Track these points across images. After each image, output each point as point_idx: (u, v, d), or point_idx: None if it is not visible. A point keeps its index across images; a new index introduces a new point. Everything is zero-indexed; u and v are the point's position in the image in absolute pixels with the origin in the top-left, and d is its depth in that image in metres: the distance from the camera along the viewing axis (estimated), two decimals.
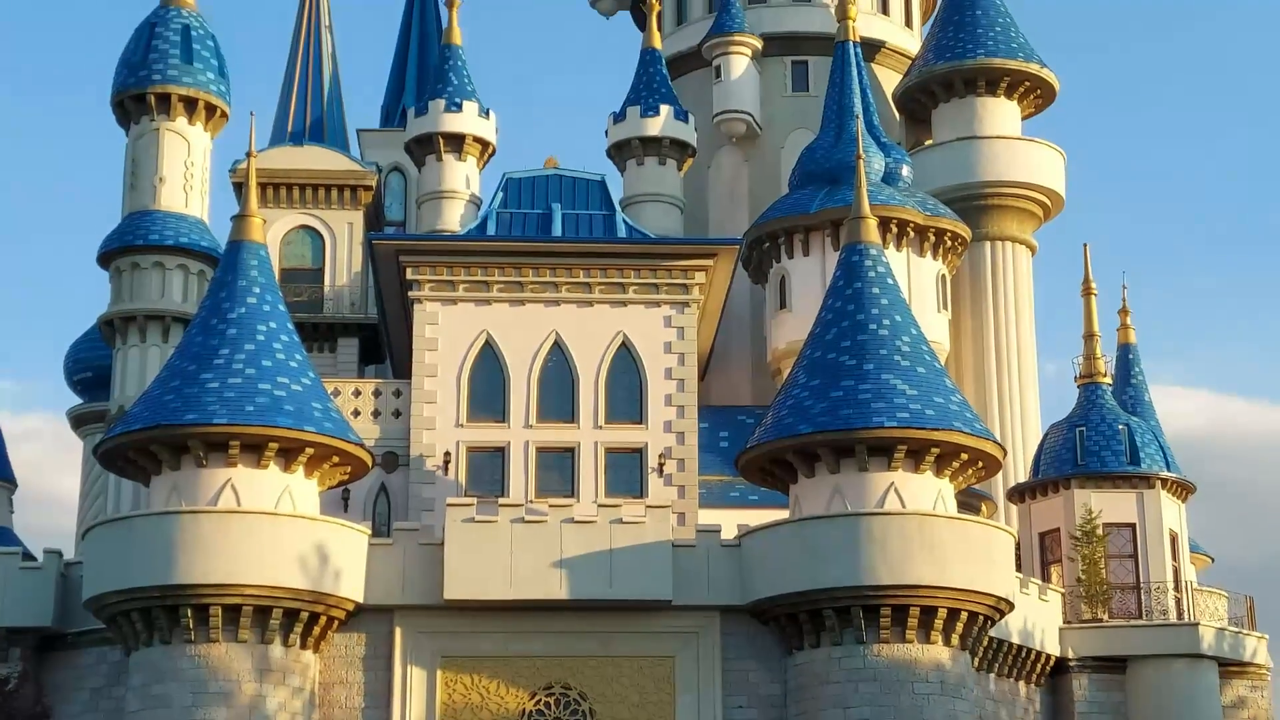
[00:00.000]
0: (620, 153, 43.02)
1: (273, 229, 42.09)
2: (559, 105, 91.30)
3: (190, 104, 39.93)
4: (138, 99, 39.80)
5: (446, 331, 36.66)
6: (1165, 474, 38.22)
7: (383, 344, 42.91)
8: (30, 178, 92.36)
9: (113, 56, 50.96)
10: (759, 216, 41.92)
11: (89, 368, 47.75)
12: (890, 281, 32.93)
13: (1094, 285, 40.68)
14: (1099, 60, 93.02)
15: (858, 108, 40.87)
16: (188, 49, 40.10)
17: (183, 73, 39.80)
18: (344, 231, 43.84)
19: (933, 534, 30.74)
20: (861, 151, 34.31)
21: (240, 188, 43.12)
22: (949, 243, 40.99)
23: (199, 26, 40.61)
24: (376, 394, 36.88)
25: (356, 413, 36.38)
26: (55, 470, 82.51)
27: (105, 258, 39.62)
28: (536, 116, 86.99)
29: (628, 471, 36.07)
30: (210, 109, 40.25)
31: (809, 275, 40.08)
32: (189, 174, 40.00)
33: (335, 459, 31.94)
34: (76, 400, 49.57)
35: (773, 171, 45.32)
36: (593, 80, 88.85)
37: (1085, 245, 41.16)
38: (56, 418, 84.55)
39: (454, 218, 41.73)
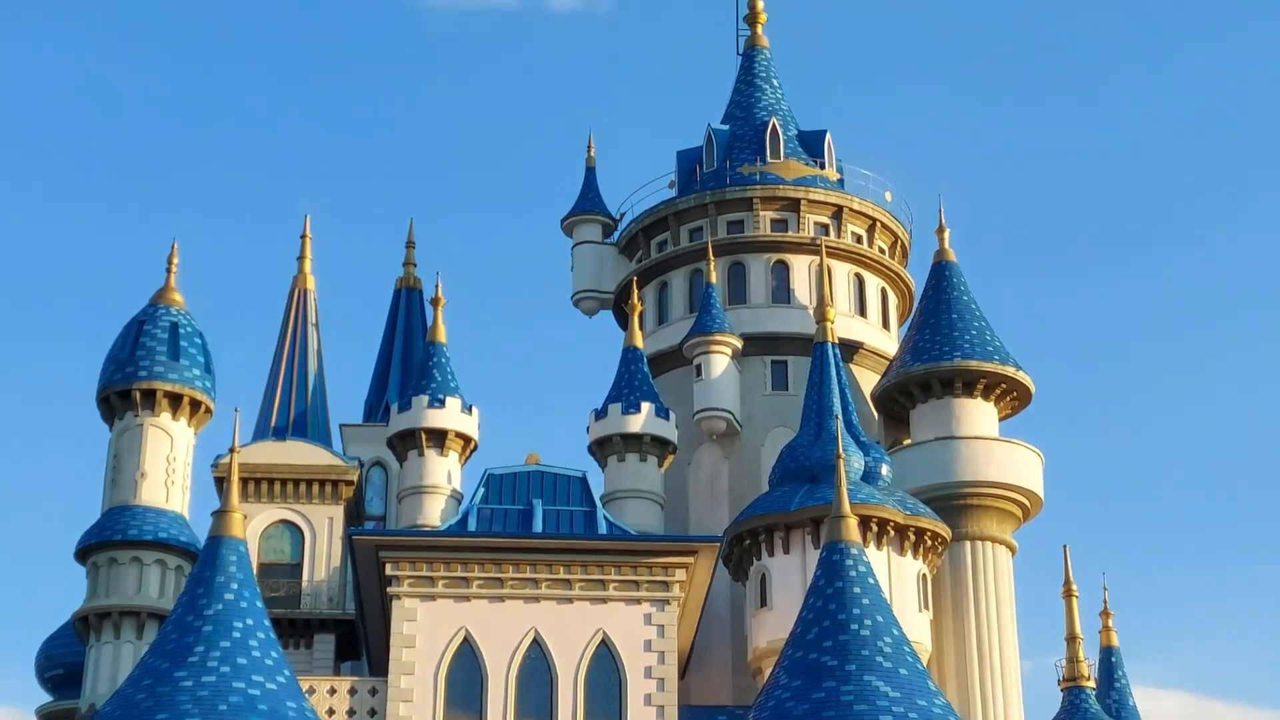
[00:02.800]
0: (602, 449, 43.30)
1: (253, 523, 41.99)
2: (541, 401, 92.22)
3: (175, 400, 40.23)
4: (123, 395, 40.11)
5: (424, 628, 36.40)
6: None
7: (360, 640, 42.50)
8: (7, 473, 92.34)
9: (95, 352, 51.71)
10: (739, 514, 42.04)
11: (61, 664, 47.09)
12: (871, 581, 32.92)
13: (1075, 587, 40.69)
14: (1074, 361, 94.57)
15: (837, 407, 41.40)
16: (175, 346, 40.58)
17: (169, 369, 40.20)
18: (324, 526, 43.79)
19: None
20: (841, 450, 34.66)
21: (222, 482, 43.22)
22: (929, 542, 41.09)
23: (187, 324, 41.18)
24: (352, 692, 36.38)
25: (331, 711, 35.87)
26: None
27: (83, 553, 39.44)
28: (518, 412, 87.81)
29: None
30: (195, 404, 40.56)
31: (790, 573, 40.02)
32: (171, 469, 40.09)
33: None
34: (46, 698, 48.71)
35: (753, 469, 45.60)
36: (574, 377, 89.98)
37: (1065, 547, 41.40)
38: (24, 715, 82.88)
39: (435, 513, 41.69)
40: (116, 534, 38.93)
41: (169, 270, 42.17)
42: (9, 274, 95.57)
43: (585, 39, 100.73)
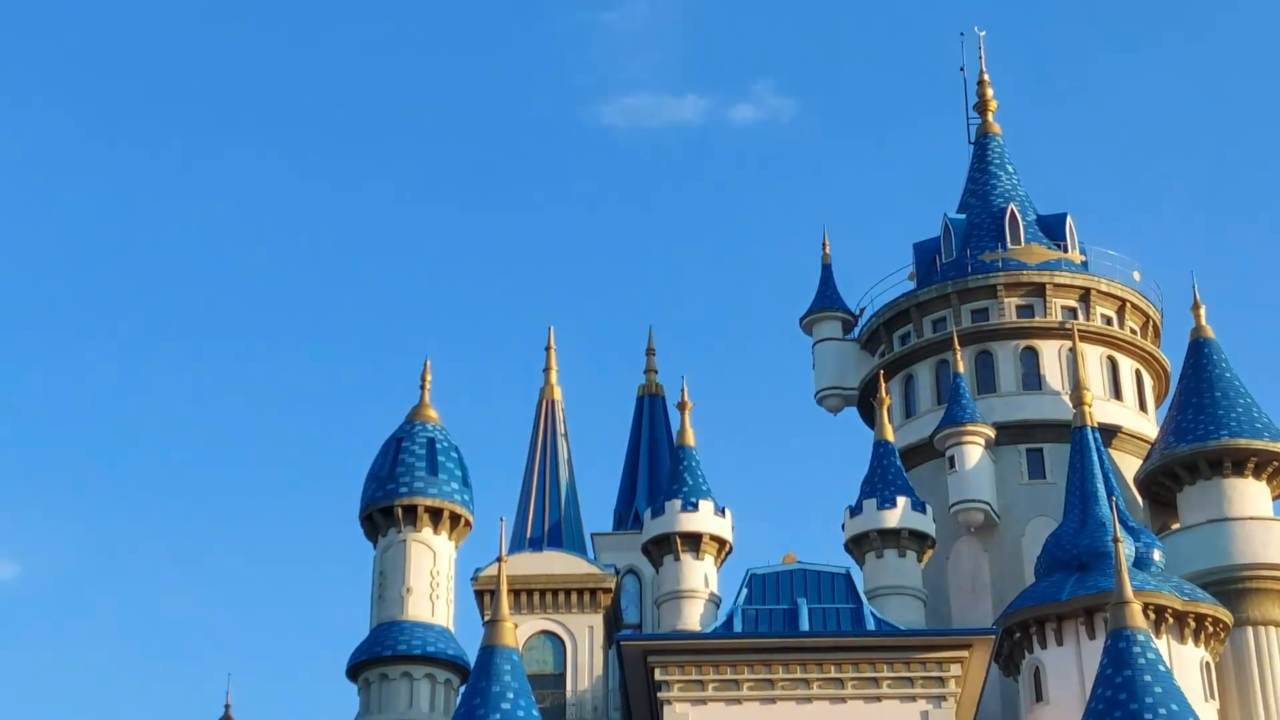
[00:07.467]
0: (858, 546, 42.65)
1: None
2: (790, 501, 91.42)
3: (436, 514, 40.56)
4: (385, 512, 40.56)
5: None
6: None
7: None
8: (280, 594, 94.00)
9: (357, 471, 52.58)
10: (1006, 606, 41.06)
11: None
12: (1162, 669, 31.93)
13: None
14: None
15: (1104, 492, 40.35)
16: (433, 461, 41.00)
17: (429, 484, 40.57)
18: (585, 636, 43.69)
19: None
20: (1119, 534, 33.68)
21: (482, 595, 43.50)
22: (1210, 628, 39.67)
23: (443, 439, 41.60)
24: None
25: None
26: None
27: (354, 670, 39.81)
28: (768, 512, 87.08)
29: None
30: (455, 518, 40.84)
31: (1065, 666, 38.94)
32: (435, 583, 40.35)
33: None
34: None
35: (1014, 561, 44.62)
36: (822, 475, 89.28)
37: None
38: None
39: (694, 617, 41.38)
40: (386, 650, 39.18)
41: (423, 387, 42.70)
42: (271, 406, 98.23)
43: (811, 140, 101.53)
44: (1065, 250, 49.16)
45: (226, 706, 46.68)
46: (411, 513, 40.46)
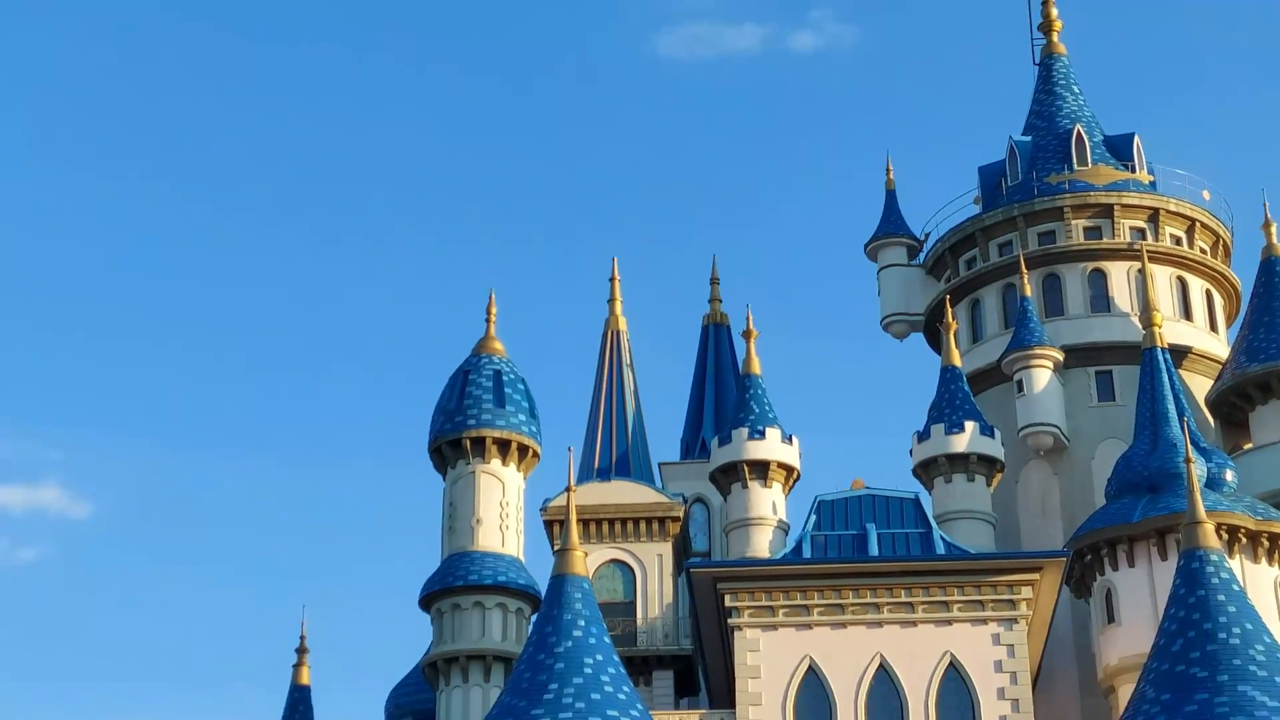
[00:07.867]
0: (927, 471, 42.55)
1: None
2: (857, 427, 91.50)
3: (504, 446, 40.71)
4: (454, 444, 40.74)
5: (768, 658, 36.25)
6: None
7: (697, 675, 42.46)
8: (353, 525, 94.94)
9: (425, 405, 52.85)
10: (1078, 528, 40.92)
11: (409, 712, 47.87)
12: (1236, 588, 31.76)
13: None
14: None
15: (1174, 413, 40.06)
16: (500, 393, 41.12)
17: (496, 416, 40.73)
18: (654, 564, 43.96)
19: None
20: (1191, 454, 33.45)
21: (551, 525, 43.80)
22: None
23: (510, 371, 41.71)
24: None
25: None
26: None
27: (427, 600, 40.17)
28: (836, 439, 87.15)
29: None
30: (523, 449, 40.99)
31: (1136, 587, 38.79)
32: (504, 514, 40.58)
33: None
34: None
35: (1084, 483, 44.44)
36: (889, 401, 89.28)
37: None
38: None
39: (763, 544, 41.41)
40: (458, 580, 39.48)
41: (488, 320, 42.76)
42: (339, 339, 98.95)
43: (872, 65, 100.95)
44: (1133, 170, 48.65)
45: (302, 637, 47.27)
46: (480, 444, 40.63)
